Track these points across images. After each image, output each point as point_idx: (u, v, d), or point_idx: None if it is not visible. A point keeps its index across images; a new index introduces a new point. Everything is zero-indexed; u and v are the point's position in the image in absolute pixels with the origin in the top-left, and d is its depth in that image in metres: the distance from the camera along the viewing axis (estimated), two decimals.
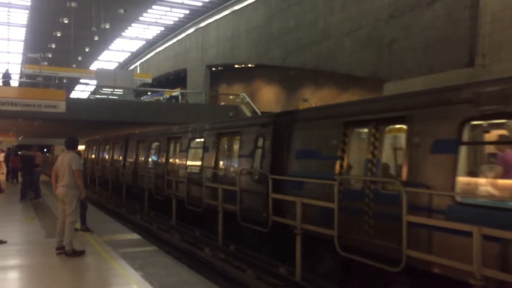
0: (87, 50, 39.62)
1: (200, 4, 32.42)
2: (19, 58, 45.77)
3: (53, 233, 9.98)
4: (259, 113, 25.48)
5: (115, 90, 46.40)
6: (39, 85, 28.20)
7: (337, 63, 21.01)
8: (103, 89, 46.90)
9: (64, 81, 39.30)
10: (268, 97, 32.84)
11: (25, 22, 35.33)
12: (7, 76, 27.82)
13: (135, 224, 14.61)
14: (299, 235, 7.71)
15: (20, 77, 40.95)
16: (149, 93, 43.28)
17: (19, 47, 42.48)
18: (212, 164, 12.10)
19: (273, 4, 26.03)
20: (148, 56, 46.41)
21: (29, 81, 31.57)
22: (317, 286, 7.43)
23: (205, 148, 12.71)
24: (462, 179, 5.73)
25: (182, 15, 35.22)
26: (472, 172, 5.93)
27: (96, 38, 33.27)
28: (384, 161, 7.13)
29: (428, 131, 6.10)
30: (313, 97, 26.92)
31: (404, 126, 6.54)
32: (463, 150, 5.72)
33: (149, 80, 39.55)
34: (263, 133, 9.96)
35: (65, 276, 7.03)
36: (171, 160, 15.70)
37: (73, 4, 27.92)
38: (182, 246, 11.34)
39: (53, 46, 37.30)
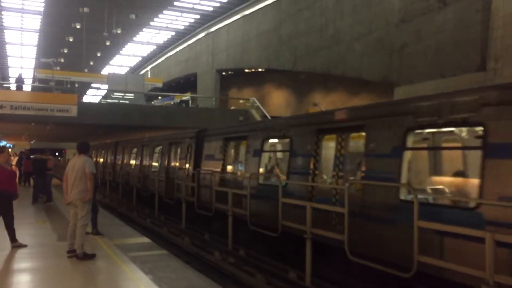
0: (98, 54, 40.03)
1: (210, 9, 32.58)
2: (32, 63, 46.33)
3: (64, 236, 10.07)
4: (269, 117, 25.48)
5: (126, 94, 46.69)
6: (51, 89, 28.50)
7: (347, 68, 20.96)
8: (114, 93, 47.23)
9: (76, 85, 39.69)
10: (278, 102, 32.86)
11: (38, 27, 35.76)
12: (20, 81, 28.20)
13: (146, 227, 14.68)
14: (309, 240, 7.68)
15: (33, 82, 41.44)
16: (159, 97, 43.51)
17: (32, 52, 43.02)
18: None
19: (283, 8, 26.07)
20: (159, 60, 46.70)
21: (42, 86, 31.94)
22: None
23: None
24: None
25: (192, 20, 35.42)
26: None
27: (107, 43, 33.60)
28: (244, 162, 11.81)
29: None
30: (323, 101, 26.89)
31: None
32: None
33: (160, 85, 39.78)
34: (191, 142, 15.27)
35: (76, 280, 7.07)
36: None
37: (85, 10, 28.26)
38: (191, 249, 11.36)
39: (65, 51, 37.73)
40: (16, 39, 39.60)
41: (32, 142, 51.27)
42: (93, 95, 63.01)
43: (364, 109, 8.65)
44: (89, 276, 7.26)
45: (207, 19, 34.44)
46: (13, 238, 8.72)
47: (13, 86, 30.73)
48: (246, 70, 33.18)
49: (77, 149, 8.54)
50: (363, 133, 7.91)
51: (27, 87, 36.52)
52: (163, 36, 40.40)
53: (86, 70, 42.04)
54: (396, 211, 6.72)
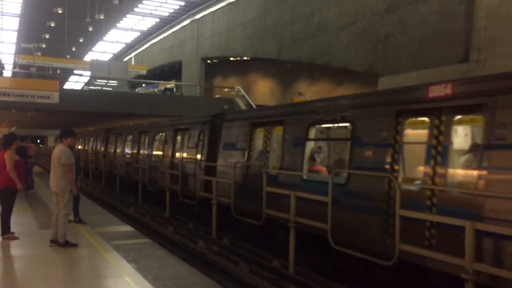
0: (81, 40, 39.34)
1: None
2: (12, 48, 45.38)
3: (46, 224, 9.99)
4: (254, 106, 25.43)
5: (110, 81, 46.15)
6: (32, 75, 27.99)
7: (333, 57, 20.99)
8: (97, 80, 46.62)
9: (58, 71, 39.04)
10: (263, 90, 32.80)
11: (19, 12, 34.98)
12: (0, 66, 27.62)
13: (130, 216, 14.60)
14: (293, 229, 7.73)
15: (14, 68, 40.63)
16: (143, 85, 43.09)
17: (13, 37, 42.09)
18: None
19: None
20: (143, 47, 46.15)
21: (23, 71, 31.34)
22: (310, 279, 7.46)
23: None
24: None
25: (177, 7, 35.02)
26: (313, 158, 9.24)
27: (90, 29, 33.04)
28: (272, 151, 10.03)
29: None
30: (308, 91, 26.90)
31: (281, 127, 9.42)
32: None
33: (144, 72, 39.36)
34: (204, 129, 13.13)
35: (58, 268, 7.02)
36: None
37: None
38: (175, 238, 11.35)
39: (47, 37, 36.99)
40: None
41: (12, 129, 50.42)
42: (76, 82, 62.10)
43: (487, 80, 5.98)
44: (72, 264, 7.21)
45: (192, 6, 34.08)
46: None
47: None
48: (231, 59, 33.01)
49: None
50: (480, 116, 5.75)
51: (7, 72, 35.85)
52: (147, 23, 39.89)
53: (68, 56, 41.35)
54: None
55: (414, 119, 6.66)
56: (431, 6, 15.52)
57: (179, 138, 14.99)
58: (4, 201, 8.42)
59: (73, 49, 42.15)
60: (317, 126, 8.80)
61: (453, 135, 6.10)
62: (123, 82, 40.13)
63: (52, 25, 33.54)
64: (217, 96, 32.11)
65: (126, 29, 41.88)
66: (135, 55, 48.43)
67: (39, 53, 36.63)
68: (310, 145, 8.87)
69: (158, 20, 38.58)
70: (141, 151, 18.27)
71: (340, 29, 20.06)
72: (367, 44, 18.43)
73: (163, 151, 15.85)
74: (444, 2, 15.14)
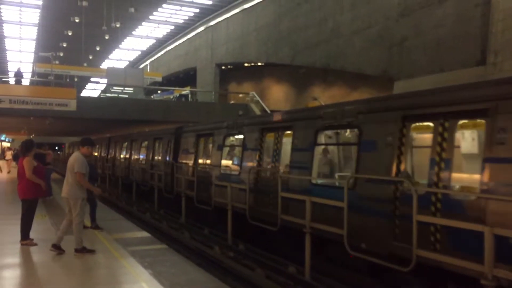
0: (97, 49, 39.87)
1: (210, 2, 32.45)
2: (30, 57, 46.19)
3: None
4: (269, 112, 25.45)
5: (126, 88, 46.65)
6: (50, 83, 28.43)
7: (347, 62, 20.92)
8: (114, 87, 47.18)
9: (75, 79, 39.59)
10: (278, 96, 32.82)
11: (37, 21, 35.62)
12: (18, 75, 28.10)
13: (145, 222, 14.70)
14: (308, 234, 7.69)
15: (32, 76, 41.33)
16: (159, 91, 43.45)
17: (31, 46, 42.86)
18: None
19: (283, 2, 25.98)
20: (158, 54, 46.59)
21: (41, 80, 31.86)
22: (326, 285, 7.41)
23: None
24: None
25: (192, 14, 35.28)
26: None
27: (106, 37, 33.48)
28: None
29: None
30: (323, 96, 26.84)
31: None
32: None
33: (159, 79, 39.72)
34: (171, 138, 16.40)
35: (76, 273, 7.09)
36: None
37: (84, 3, 28.12)
38: (191, 244, 11.38)
39: (64, 45, 37.59)
40: (15, 33, 39.44)
41: (31, 137, 51.23)
42: (93, 89, 62.91)
43: None
44: (88, 270, 7.27)
45: (206, 13, 34.31)
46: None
47: (12, 80, 30.64)
48: (246, 64, 33.10)
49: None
50: None
51: (25, 81, 36.45)
52: (163, 30, 40.27)
53: (85, 64, 41.90)
54: None
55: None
56: (446, 9, 15.38)
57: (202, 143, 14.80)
58: (25, 208, 8.55)
59: (90, 57, 42.74)
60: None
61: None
62: (139, 89, 40.55)
63: (70, 33, 34.09)
64: (232, 102, 32.21)
65: (141, 37, 42.34)
66: (151, 62, 48.90)
67: (57, 62, 37.21)
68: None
69: (173, 27, 38.93)
70: (155, 157, 18.42)
71: (354, 33, 19.99)
72: (381, 48, 18.33)
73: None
74: (459, 5, 14.99)
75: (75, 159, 7.96)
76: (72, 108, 22.06)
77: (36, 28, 37.01)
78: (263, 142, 10.73)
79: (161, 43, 44.08)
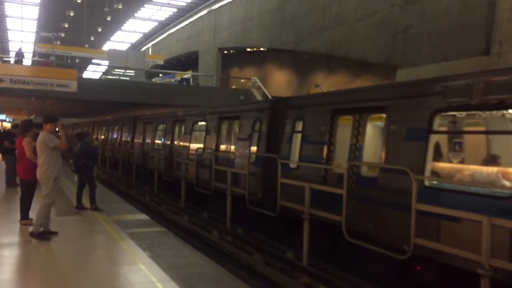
0: (99, 30, 39.57)
1: None
2: (32, 37, 45.90)
3: (63, 211, 10.15)
4: (270, 97, 25.36)
5: (127, 71, 46.45)
6: (51, 64, 28.29)
7: (350, 49, 20.76)
8: (115, 70, 46.95)
9: (77, 61, 39.39)
10: (280, 82, 32.68)
11: (38, 1, 35.31)
12: (20, 55, 27.98)
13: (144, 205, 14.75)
14: (307, 220, 7.70)
15: (33, 56, 41.13)
16: (160, 75, 43.24)
17: (32, 26, 42.57)
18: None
19: None
20: (160, 37, 46.27)
21: (42, 60, 31.70)
22: (324, 271, 7.44)
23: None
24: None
25: None
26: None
27: (108, 19, 33.19)
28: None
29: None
30: (325, 83, 26.74)
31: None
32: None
33: (161, 62, 39.52)
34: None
35: (75, 254, 7.12)
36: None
37: None
38: (190, 228, 11.43)
39: (66, 26, 37.29)
40: (16, 12, 39.12)
41: (32, 117, 51.18)
42: (94, 71, 62.65)
43: None
44: (88, 252, 7.30)
45: None
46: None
47: (13, 60, 30.51)
48: (248, 49, 32.90)
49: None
50: None
51: (27, 61, 36.30)
52: (165, 13, 39.93)
53: (86, 46, 41.67)
54: None
55: None
56: None
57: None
58: (24, 189, 8.56)
59: (92, 39, 42.45)
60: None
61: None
62: (140, 72, 40.35)
63: (71, 14, 33.79)
64: (234, 87, 32.09)
65: (144, 19, 42.01)
66: (153, 45, 48.60)
67: (58, 42, 36.98)
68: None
69: (175, 10, 38.60)
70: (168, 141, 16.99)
71: (359, 20, 19.81)
72: (385, 35, 18.17)
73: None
74: None
75: (44, 136, 7.70)
76: (73, 89, 21.97)
77: (38, 7, 36.69)
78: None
79: (163, 26, 43.74)
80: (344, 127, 8.10)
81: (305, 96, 11.19)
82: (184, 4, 36.79)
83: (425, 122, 6.27)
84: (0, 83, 20.84)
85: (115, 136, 24.32)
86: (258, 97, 26.54)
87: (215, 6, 34.12)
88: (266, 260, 8.46)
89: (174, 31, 42.64)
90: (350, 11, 20.42)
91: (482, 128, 6.80)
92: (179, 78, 37.19)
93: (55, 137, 7.88)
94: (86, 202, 10.66)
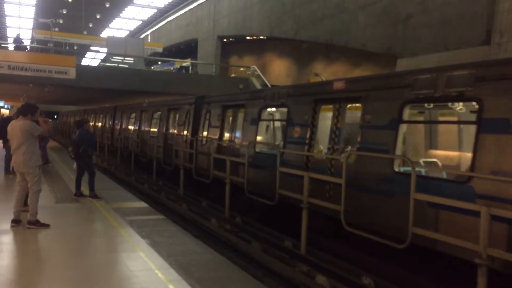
0: (98, 17, 39.35)
1: None
2: (30, 23, 45.58)
3: (62, 198, 10.19)
4: (269, 86, 25.28)
5: (126, 58, 46.22)
6: (49, 50, 28.13)
7: (351, 38, 20.65)
8: (114, 57, 46.70)
9: (75, 47, 39.18)
10: (279, 70, 32.57)
11: None
12: (18, 41, 27.79)
13: (144, 193, 14.78)
14: (306, 210, 7.73)
15: (31, 42, 40.87)
16: (159, 62, 43.03)
17: (31, 12, 42.23)
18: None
19: None
20: (159, 25, 45.95)
21: (40, 47, 31.50)
22: (322, 260, 7.49)
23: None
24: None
25: None
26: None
27: (107, 5, 32.99)
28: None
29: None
30: (325, 72, 26.63)
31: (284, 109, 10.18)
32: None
33: (160, 50, 39.29)
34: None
35: (75, 240, 7.15)
36: None
37: None
38: (189, 216, 11.46)
39: (64, 12, 37.06)
40: None
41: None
42: (92, 59, 62.33)
43: None
44: (87, 238, 7.33)
45: None
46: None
47: (11, 47, 30.32)
48: (248, 38, 32.72)
49: (18, 112, 7.92)
50: None
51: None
52: (164, 0, 39.63)
53: (85, 32, 41.41)
54: None
55: None
56: None
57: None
58: None
59: (90, 25, 42.21)
60: None
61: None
62: (139, 60, 40.14)
63: (70, 0, 33.55)
64: (233, 75, 31.97)
65: (142, 6, 41.70)
66: (152, 32, 48.28)
67: (57, 29, 36.73)
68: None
69: None
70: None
71: (359, 9, 19.67)
72: (386, 24, 18.07)
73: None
74: None
75: (29, 127, 7.43)
76: (72, 76, 21.85)
77: None
78: None
79: (162, 13, 43.42)
80: (230, 117, 12.60)
81: (211, 95, 14.76)
82: None
83: (396, 112, 6.86)
84: None
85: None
86: (258, 85, 26.44)
87: None
88: (265, 249, 8.50)
89: (173, 19, 42.34)
90: None
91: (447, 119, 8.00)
92: (178, 66, 37.05)
93: (37, 125, 7.76)
94: (85, 189, 10.68)
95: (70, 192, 10.88)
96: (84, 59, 57.81)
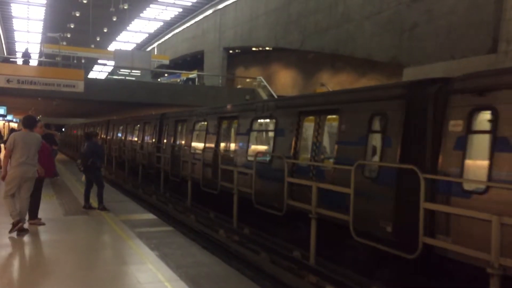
0: (105, 30, 39.73)
1: None
2: (38, 38, 46.12)
3: (71, 211, 10.21)
4: (276, 97, 25.34)
5: (133, 71, 46.60)
6: (58, 64, 28.43)
7: (356, 47, 20.69)
8: (121, 70, 47.11)
9: (83, 61, 39.54)
10: (285, 81, 32.66)
11: (45, 2, 35.48)
12: (26, 55, 28.13)
13: (151, 204, 14.79)
14: (314, 220, 7.70)
15: (40, 57, 41.34)
16: (166, 75, 43.30)
17: (39, 26, 42.77)
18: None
19: None
20: (166, 37, 46.33)
21: (48, 61, 31.84)
22: (331, 270, 7.44)
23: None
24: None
25: None
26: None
27: (114, 19, 33.30)
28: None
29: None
30: (331, 82, 26.70)
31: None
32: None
33: (167, 62, 39.60)
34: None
35: (84, 253, 7.15)
36: None
37: None
38: (197, 227, 11.45)
39: (72, 26, 37.45)
40: (22, 13, 39.31)
41: (38, 118, 51.45)
42: (99, 72, 62.87)
43: None
44: (96, 251, 7.34)
45: None
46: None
47: (19, 61, 30.66)
48: (254, 49, 32.88)
49: (24, 125, 8.29)
50: None
51: (33, 61, 36.48)
52: (170, 13, 39.98)
53: (92, 46, 41.83)
54: None
55: None
56: None
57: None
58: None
59: (97, 39, 42.61)
60: None
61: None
62: (146, 72, 40.43)
63: (77, 14, 33.93)
64: (239, 86, 32.10)
65: (149, 19, 42.09)
66: (158, 45, 48.68)
67: (65, 43, 37.14)
68: None
69: (181, 9, 38.65)
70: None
71: (365, 18, 19.73)
72: (392, 34, 18.09)
73: None
74: None
75: (40, 139, 8.14)
76: (80, 89, 22.08)
77: (44, 8, 36.87)
78: None
79: (168, 25, 43.80)
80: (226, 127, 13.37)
81: (170, 113, 18.11)
82: (190, 3, 36.83)
83: (366, 122, 7.49)
84: (7, 84, 20.99)
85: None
86: (264, 96, 26.54)
87: (220, 6, 34.13)
88: (273, 260, 8.46)
89: (179, 31, 42.69)
90: (356, 9, 20.35)
91: None
92: (184, 78, 37.24)
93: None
94: (93, 201, 10.72)
95: (78, 205, 10.92)
96: (91, 72, 58.33)
